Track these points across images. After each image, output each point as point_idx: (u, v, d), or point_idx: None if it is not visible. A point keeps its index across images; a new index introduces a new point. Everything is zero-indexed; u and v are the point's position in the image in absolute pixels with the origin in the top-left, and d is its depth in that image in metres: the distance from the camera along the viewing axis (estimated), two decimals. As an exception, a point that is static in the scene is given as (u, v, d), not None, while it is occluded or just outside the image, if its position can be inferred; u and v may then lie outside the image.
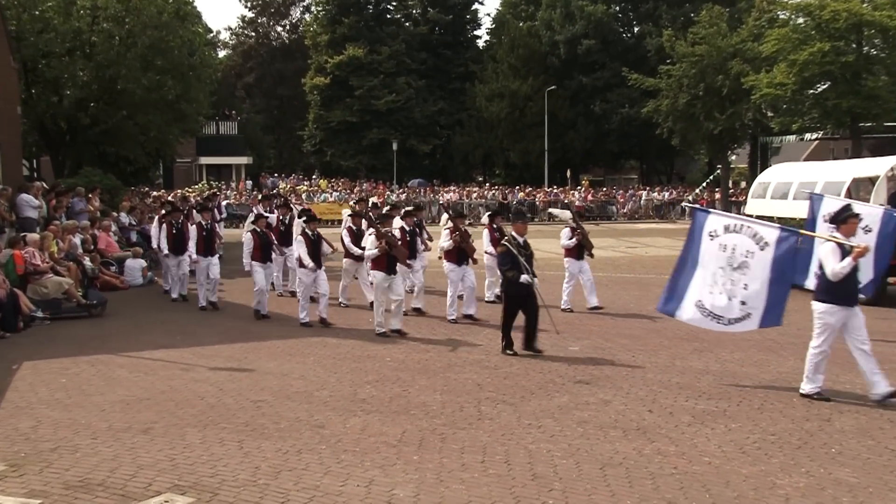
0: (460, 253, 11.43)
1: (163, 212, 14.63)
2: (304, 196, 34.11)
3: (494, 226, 12.17)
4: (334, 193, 35.07)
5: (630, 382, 7.99)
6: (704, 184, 39.07)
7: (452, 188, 38.64)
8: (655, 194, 38.53)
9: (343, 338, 10.36)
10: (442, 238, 11.64)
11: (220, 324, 11.50)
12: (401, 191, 37.71)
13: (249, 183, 39.42)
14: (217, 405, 7.21)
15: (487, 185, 42.06)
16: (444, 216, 13.05)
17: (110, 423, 6.62)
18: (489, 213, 13.50)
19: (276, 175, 44.02)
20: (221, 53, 54.32)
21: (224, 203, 32.34)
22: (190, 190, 33.95)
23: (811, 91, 26.35)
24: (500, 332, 9.42)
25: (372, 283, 10.65)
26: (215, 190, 32.17)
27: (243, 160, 45.21)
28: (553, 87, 44.39)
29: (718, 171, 38.71)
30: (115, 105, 25.99)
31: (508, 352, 9.07)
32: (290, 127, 56.40)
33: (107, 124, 25.88)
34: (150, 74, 25.33)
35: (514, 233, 9.40)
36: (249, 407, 7.15)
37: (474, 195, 37.05)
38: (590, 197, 37.94)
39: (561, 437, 6.26)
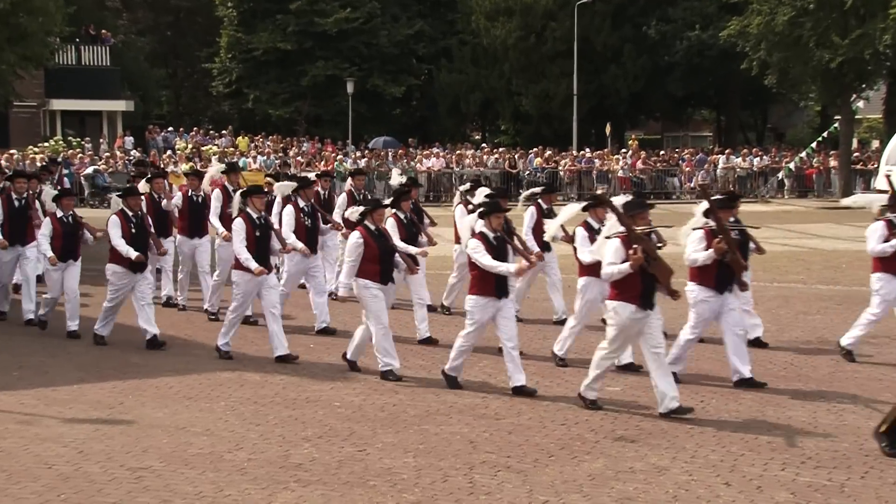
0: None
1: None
2: (213, 161, 33.94)
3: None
4: (259, 158, 34.95)
5: (697, 440, 8.02)
6: (814, 144, 39.32)
7: (436, 151, 38.64)
8: (739, 160, 38.69)
9: (270, 372, 10.37)
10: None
11: (83, 353, 11.44)
12: (359, 155, 37.67)
13: (130, 140, 39.16)
14: (74, 476, 7.14)
15: (487, 147, 42.11)
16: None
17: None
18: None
19: (170, 129, 43.76)
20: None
21: (91, 170, 32.41)
22: (36, 149, 33.69)
23: None
24: (502, 363, 9.47)
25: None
26: (56, 155, 31.90)
27: (120, 105, 44.89)
28: (586, -2, 44.52)
29: (836, 126, 38.92)
30: None
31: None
32: (192, 57, 56.13)
33: None
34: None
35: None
36: (125, 478, 7.10)
37: (468, 161, 37.06)
38: (640, 164, 38.09)
39: (594, 521, 6.30)
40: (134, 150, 36.37)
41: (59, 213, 12.30)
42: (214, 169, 14.73)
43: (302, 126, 47.64)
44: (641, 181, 37.12)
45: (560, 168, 37.02)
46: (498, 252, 9.46)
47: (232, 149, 37.10)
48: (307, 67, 47.71)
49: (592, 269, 9.81)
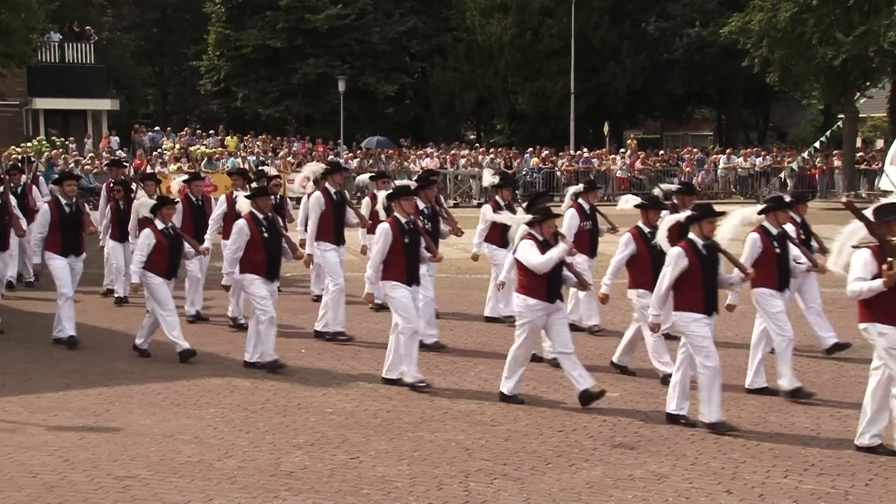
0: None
1: None
2: (202, 161, 33.95)
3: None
4: (249, 158, 34.93)
5: (698, 447, 8.03)
6: (817, 143, 39.39)
7: (430, 151, 38.64)
8: (740, 160, 38.76)
9: (260, 378, 10.36)
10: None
11: (68, 359, 11.42)
12: (350, 154, 37.66)
13: (115, 140, 39.09)
14: (59, 485, 7.14)
15: (482, 147, 42.13)
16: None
17: None
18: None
19: (156, 129, 43.70)
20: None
21: (75, 170, 32.21)
22: (17, 149, 33.59)
23: None
24: (498, 368, 9.48)
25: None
26: (31, 153, 31.74)
27: (105, 104, 44.77)
28: (584, -7, 44.58)
29: (840, 124, 38.95)
30: None
31: None
32: (179, 54, 56.07)
33: None
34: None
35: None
36: (111, 487, 7.10)
37: (462, 161, 37.08)
38: (639, 164, 38.13)
39: (592, 529, 6.32)
40: (120, 151, 36.29)
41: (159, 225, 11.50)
42: (311, 169, 13.75)
43: (292, 125, 47.58)
44: (640, 181, 37.13)
45: (557, 168, 37.02)
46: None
47: (221, 149, 37.08)
48: (297, 65, 47.65)
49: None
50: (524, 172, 36.07)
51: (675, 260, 8.54)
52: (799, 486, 7.14)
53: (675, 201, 11.81)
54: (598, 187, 13.83)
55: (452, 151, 38.84)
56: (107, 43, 50.21)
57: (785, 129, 58.41)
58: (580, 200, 12.52)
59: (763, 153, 39.67)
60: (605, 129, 44.21)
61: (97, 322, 13.54)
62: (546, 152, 38.35)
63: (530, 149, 39.07)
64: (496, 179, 13.41)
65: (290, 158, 35.74)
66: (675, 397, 8.72)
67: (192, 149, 36.75)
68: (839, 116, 40.50)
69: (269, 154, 36.32)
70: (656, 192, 13.60)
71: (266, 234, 10.76)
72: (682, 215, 9.12)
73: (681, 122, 55.98)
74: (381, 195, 11.28)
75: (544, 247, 9.10)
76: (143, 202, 12.12)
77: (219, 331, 12.79)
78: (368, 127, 48.13)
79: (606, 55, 46.37)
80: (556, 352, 9.51)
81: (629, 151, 39.55)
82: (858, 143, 40.89)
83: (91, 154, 35.42)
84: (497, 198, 12.81)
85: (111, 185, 15.27)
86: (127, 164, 19.37)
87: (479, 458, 7.74)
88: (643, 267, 9.90)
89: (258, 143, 38.69)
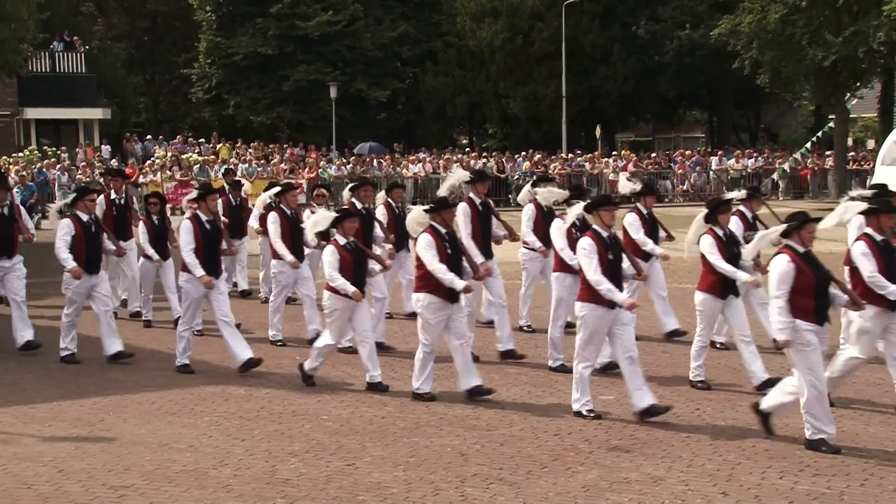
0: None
1: None
2: (194, 169, 33.95)
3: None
4: (241, 165, 34.94)
5: (693, 449, 8.05)
6: (808, 144, 39.51)
7: (423, 156, 38.67)
8: (732, 161, 38.82)
9: (255, 386, 10.35)
10: None
11: (62, 369, 11.41)
12: (343, 161, 37.67)
13: (107, 149, 39.08)
14: (54, 496, 7.14)
15: (473, 151, 42.17)
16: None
17: None
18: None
19: (148, 137, 43.67)
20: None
21: (63, 179, 32.23)
22: (9, 159, 33.54)
23: None
24: (494, 373, 9.46)
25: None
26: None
27: (96, 114, 44.74)
28: (574, -3, 44.65)
29: (831, 125, 39.09)
30: None
31: None
32: (170, 63, 56.05)
33: None
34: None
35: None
36: (107, 497, 7.10)
37: (455, 166, 37.04)
38: (631, 167, 38.16)
39: (589, 533, 6.32)
40: (113, 161, 36.25)
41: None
42: (456, 177, 12.06)
43: (284, 132, 47.53)
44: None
45: (549, 172, 37.02)
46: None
47: (213, 156, 37.06)
48: (289, 72, 47.68)
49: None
50: (516, 176, 36.11)
51: (783, 270, 8.03)
52: (794, 486, 7.15)
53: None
54: (654, 193, 14.11)
55: (445, 156, 38.88)
56: (98, 52, 50.18)
57: (776, 130, 58.54)
58: (639, 205, 12.10)
59: (755, 154, 39.79)
60: (597, 132, 44.26)
61: (91, 332, 13.51)
62: (538, 156, 38.41)
63: (523, 152, 39.13)
64: (637, 186, 12.62)
65: (282, 165, 35.76)
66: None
67: (184, 157, 36.75)
68: (830, 117, 40.62)
69: (262, 161, 36.32)
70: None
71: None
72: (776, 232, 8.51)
73: (672, 124, 56.03)
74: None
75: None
76: (324, 215, 10.64)
77: (213, 339, 12.75)
78: (360, 133, 48.11)
79: (597, 58, 46.44)
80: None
81: (625, 162, 39.58)
82: (850, 144, 41.00)
83: (83, 163, 35.38)
84: (639, 206, 12.05)
85: (147, 196, 15.03)
86: (126, 173, 19.24)
87: (475, 462, 7.75)
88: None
89: (250, 150, 38.69)
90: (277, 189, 12.91)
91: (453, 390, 10.00)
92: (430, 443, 8.29)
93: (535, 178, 13.44)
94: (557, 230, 10.75)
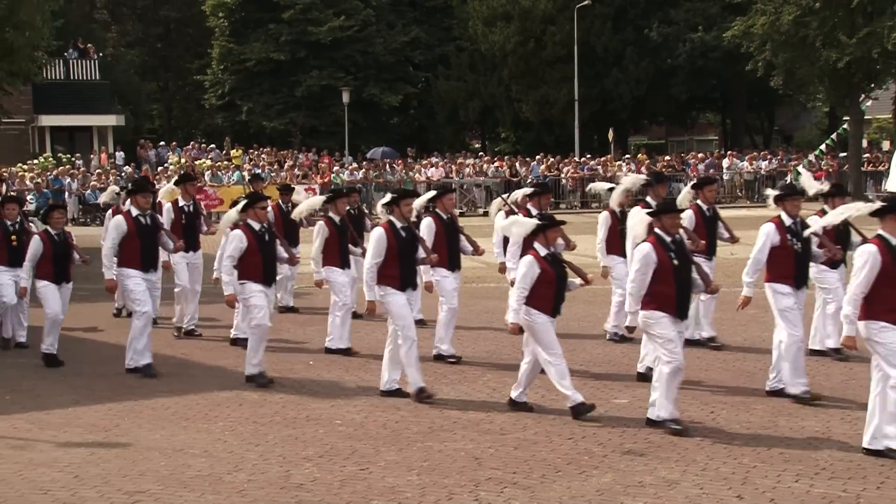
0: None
1: None
2: (206, 175, 34.05)
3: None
4: (255, 170, 35.01)
5: (708, 453, 8.02)
6: (823, 146, 39.32)
7: (435, 160, 38.69)
8: (746, 164, 38.72)
9: (269, 391, 10.36)
10: None
11: (77, 375, 11.45)
12: (355, 166, 37.72)
13: (120, 155, 39.25)
14: (70, 502, 7.16)
15: (486, 155, 42.16)
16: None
17: None
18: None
19: (162, 143, 43.84)
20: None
21: (73, 186, 32.34)
22: (25, 167, 33.74)
23: None
24: (507, 377, 9.45)
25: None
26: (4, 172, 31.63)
27: (110, 120, 44.96)
28: (586, 0, 44.60)
29: (845, 127, 38.93)
30: None
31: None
32: (183, 69, 56.26)
33: None
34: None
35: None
36: (122, 503, 7.12)
37: (467, 171, 37.10)
38: (643, 170, 38.02)
39: (604, 537, 6.30)
40: (127, 167, 36.42)
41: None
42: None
43: (297, 137, 47.68)
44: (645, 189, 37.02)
45: (563, 175, 37.03)
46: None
47: (226, 162, 37.18)
48: (301, 77, 47.82)
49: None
50: (530, 180, 36.10)
51: (871, 259, 7.77)
52: (810, 490, 7.12)
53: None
54: (714, 180, 13.95)
55: (458, 160, 38.91)
56: (111, 59, 50.47)
57: (790, 132, 58.35)
58: (698, 201, 11.80)
59: (769, 156, 39.66)
60: (610, 135, 44.21)
61: (105, 338, 13.57)
62: (551, 160, 38.39)
63: (538, 156, 39.11)
64: (825, 186, 11.82)
65: (295, 170, 35.83)
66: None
67: (197, 163, 36.89)
68: (844, 119, 40.44)
69: (275, 166, 36.41)
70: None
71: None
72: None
73: (686, 126, 55.97)
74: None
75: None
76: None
77: (226, 345, 12.78)
78: (373, 138, 48.21)
79: (610, 62, 46.42)
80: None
81: (636, 158, 39.51)
82: (864, 146, 40.83)
83: (98, 170, 35.55)
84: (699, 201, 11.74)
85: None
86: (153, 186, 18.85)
87: (489, 467, 7.74)
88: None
89: (263, 155, 38.80)
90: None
91: (467, 395, 9.99)
92: (443, 447, 8.28)
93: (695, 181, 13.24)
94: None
